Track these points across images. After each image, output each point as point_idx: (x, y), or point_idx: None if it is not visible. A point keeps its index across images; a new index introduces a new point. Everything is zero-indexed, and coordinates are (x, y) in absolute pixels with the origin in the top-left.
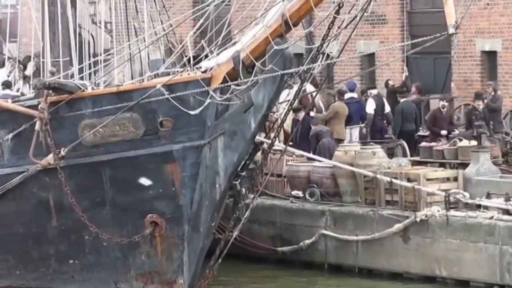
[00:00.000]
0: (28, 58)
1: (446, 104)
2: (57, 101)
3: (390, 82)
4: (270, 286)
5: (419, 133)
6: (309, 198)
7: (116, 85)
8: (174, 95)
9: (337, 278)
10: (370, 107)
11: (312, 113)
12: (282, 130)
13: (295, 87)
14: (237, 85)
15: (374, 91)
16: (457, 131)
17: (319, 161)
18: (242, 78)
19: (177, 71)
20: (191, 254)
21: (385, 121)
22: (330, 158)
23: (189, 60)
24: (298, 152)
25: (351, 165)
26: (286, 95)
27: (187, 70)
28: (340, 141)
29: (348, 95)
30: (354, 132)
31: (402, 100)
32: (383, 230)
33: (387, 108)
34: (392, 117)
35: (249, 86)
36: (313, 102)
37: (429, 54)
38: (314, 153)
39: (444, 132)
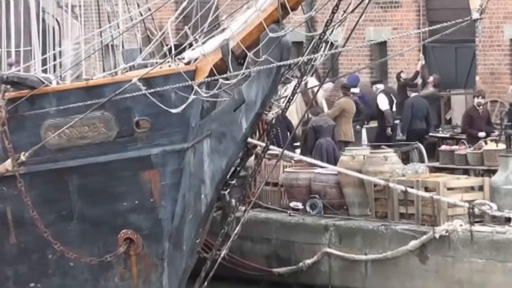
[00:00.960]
0: None
1: (483, 101)
2: (16, 97)
3: (403, 75)
4: None
5: (437, 134)
6: (310, 210)
7: (85, 79)
8: (152, 90)
9: None
10: (383, 103)
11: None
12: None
13: (294, 81)
14: (226, 78)
15: (380, 86)
16: (496, 132)
17: (322, 167)
18: (232, 70)
19: (156, 63)
20: (172, 277)
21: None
22: (328, 163)
23: (170, 50)
24: (298, 157)
25: (359, 172)
26: (284, 90)
27: (168, 62)
28: (347, 143)
29: (352, 90)
30: (364, 133)
31: (412, 94)
32: (396, 248)
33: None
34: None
35: (240, 80)
36: (314, 98)
37: (450, 43)
38: (310, 153)
39: (482, 134)
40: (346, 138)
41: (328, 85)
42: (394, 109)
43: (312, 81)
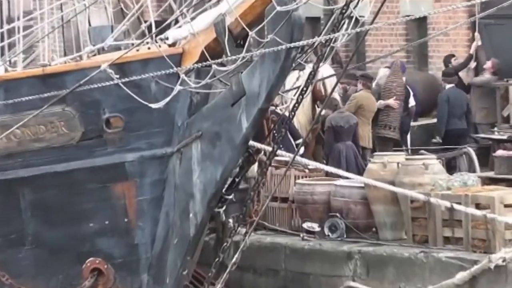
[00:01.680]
0: None
1: None
2: None
3: (454, 61)
4: None
5: (491, 135)
6: (329, 233)
7: (42, 65)
8: (127, 79)
9: None
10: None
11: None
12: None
13: (309, 68)
14: (222, 64)
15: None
16: None
17: (344, 178)
18: (229, 54)
19: (132, 44)
20: None
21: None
22: (352, 172)
23: (149, 28)
24: (313, 164)
25: (392, 184)
26: (295, 79)
27: (147, 43)
28: (364, 150)
29: None
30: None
31: (447, 86)
32: (439, 280)
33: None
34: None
35: (239, 67)
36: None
37: (509, 19)
38: (327, 159)
39: None
40: (363, 143)
41: (383, 71)
42: (411, 103)
43: (326, 70)
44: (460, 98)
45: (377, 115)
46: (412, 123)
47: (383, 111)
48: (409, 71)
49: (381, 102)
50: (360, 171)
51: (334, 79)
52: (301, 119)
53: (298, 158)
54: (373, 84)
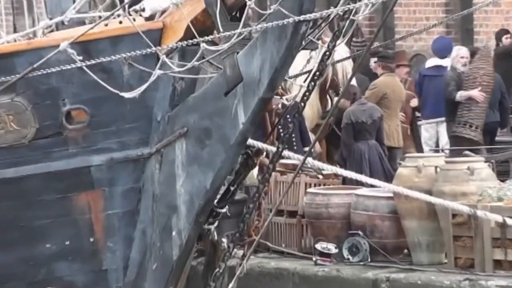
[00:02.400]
0: None
1: None
2: None
3: (505, 39)
4: None
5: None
6: (349, 256)
7: None
8: (92, 61)
9: None
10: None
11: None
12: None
13: (322, 48)
14: (212, 43)
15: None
16: None
17: (369, 185)
18: (222, 29)
19: (99, 18)
20: None
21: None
22: (377, 179)
23: None
24: (329, 169)
25: (429, 193)
26: (306, 62)
27: (118, 16)
28: (392, 151)
29: (432, 63)
30: (443, 131)
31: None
32: None
33: None
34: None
35: (234, 46)
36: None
37: None
38: (344, 163)
39: None
40: (389, 142)
41: (463, 52)
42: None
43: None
44: (497, 83)
45: (455, 109)
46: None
47: (463, 104)
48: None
49: (462, 93)
50: (387, 177)
51: (348, 64)
52: (306, 112)
53: (309, 161)
54: (448, 68)
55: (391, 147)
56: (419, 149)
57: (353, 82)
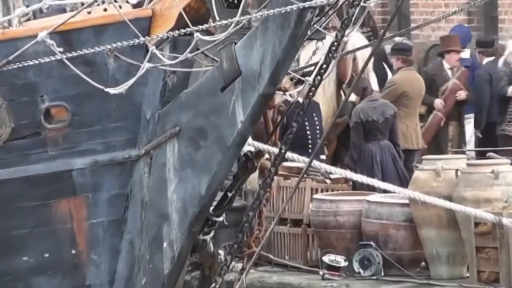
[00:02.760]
0: None
1: None
2: None
3: None
4: None
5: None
6: (360, 270)
7: None
8: (74, 53)
9: None
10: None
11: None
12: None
13: (329, 39)
14: (207, 32)
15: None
16: None
17: (382, 191)
18: (218, 18)
19: (82, 4)
20: None
21: None
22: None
23: None
24: (338, 172)
25: (449, 199)
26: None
27: (102, 2)
28: (410, 153)
29: None
30: (468, 129)
31: (485, 60)
32: None
33: None
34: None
35: (231, 36)
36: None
37: None
38: (354, 165)
39: None
40: (406, 143)
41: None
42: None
43: (358, 39)
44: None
45: (507, 107)
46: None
47: None
48: (472, 41)
49: None
50: (401, 182)
51: (367, 53)
52: (323, 110)
53: (316, 163)
54: (500, 62)
55: (408, 149)
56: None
57: (373, 78)
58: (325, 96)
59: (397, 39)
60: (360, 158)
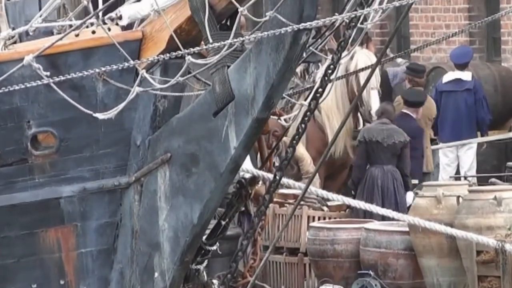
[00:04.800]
0: None
1: None
2: None
3: None
4: None
5: None
6: None
7: None
8: (62, 77)
9: None
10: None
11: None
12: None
13: (326, 61)
14: (199, 55)
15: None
16: None
17: (380, 218)
18: (210, 40)
19: (70, 26)
20: None
21: None
22: (391, 208)
23: (95, 3)
24: (336, 199)
25: (450, 226)
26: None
27: (91, 24)
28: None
29: (450, 76)
30: (468, 155)
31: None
32: None
33: None
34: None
35: (224, 58)
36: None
37: None
38: (355, 189)
39: None
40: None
41: None
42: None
43: (364, 57)
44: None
45: None
46: (480, 139)
47: None
48: (475, 62)
49: None
50: (399, 208)
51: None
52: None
53: (312, 189)
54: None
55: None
56: None
57: (375, 100)
58: (339, 114)
59: (399, 60)
60: (361, 180)
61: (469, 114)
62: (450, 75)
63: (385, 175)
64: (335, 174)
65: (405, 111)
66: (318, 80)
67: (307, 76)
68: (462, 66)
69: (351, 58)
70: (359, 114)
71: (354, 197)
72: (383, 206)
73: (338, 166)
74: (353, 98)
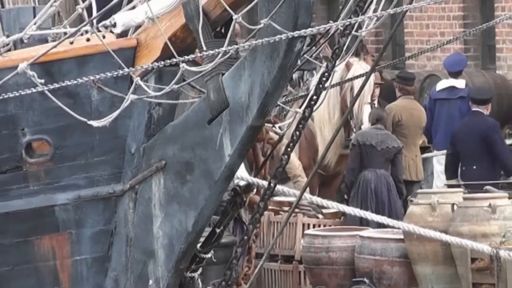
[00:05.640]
0: None
1: None
2: None
3: None
4: None
5: None
6: None
7: None
8: (56, 85)
9: None
10: None
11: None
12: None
13: (320, 69)
14: (194, 63)
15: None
16: None
17: (376, 226)
18: (205, 48)
19: (64, 34)
20: None
21: None
22: (383, 214)
23: (89, 10)
24: (331, 206)
25: (445, 233)
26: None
27: (86, 32)
28: (411, 184)
29: (444, 84)
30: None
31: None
32: None
33: None
34: None
35: (219, 66)
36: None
37: None
38: (348, 195)
39: None
40: (405, 175)
41: None
42: None
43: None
44: None
45: None
46: None
47: None
48: (469, 70)
49: None
50: (393, 212)
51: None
52: (329, 136)
53: (307, 196)
54: None
55: (406, 181)
56: None
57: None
58: (331, 124)
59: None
60: (354, 183)
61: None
62: (444, 83)
63: (378, 179)
64: (329, 182)
65: (475, 109)
66: (312, 88)
67: (301, 84)
68: (455, 74)
69: (348, 69)
70: (351, 122)
71: (347, 201)
72: (376, 210)
73: (332, 174)
74: (345, 110)
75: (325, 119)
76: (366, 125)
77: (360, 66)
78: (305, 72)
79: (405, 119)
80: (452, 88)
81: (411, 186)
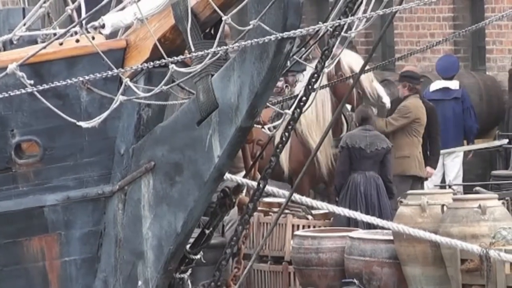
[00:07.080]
0: None
1: None
2: None
3: None
4: None
5: None
6: None
7: None
8: (45, 86)
9: None
10: None
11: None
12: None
13: (309, 70)
14: (183, 64)
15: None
16: None
17: (366, 227)
18: (194, 49)
19: (54, 35)
20: None
21: None
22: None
23: (78, 11)
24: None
25: (435, 234)
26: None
27: (75, 33)
28: (417, 181)
29: (438, 85)
30: (455, 163)
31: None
32: None
33: None
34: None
35: (208, 67)
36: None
37: None
38: (337, 196)
39: None
40: (421, 171)
41: None
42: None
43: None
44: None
45: None
46: (466, 147)
47: None
48: (459, 71)
49: None
50: (383, 214)
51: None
52: (317, 138)
53: (297, 197)
54: None
55: (418, 177)
56: None
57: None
58: (318, 124)
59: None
60: (344, 186)
61: (456, 122)
62: (437, 84)
63: (367, 182)
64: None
65: None
66: (301, 89)
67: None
68: (448, 76)
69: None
70: (343, 118)
71: (337, 203)
72: (366, 213)
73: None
74: (337, 94)
75: (313, 123)
76: (385, 98)
77: (352, 56)
78: (296, 74)
79: (420, 118)
80: (446, 89)
81: (422, 183)
